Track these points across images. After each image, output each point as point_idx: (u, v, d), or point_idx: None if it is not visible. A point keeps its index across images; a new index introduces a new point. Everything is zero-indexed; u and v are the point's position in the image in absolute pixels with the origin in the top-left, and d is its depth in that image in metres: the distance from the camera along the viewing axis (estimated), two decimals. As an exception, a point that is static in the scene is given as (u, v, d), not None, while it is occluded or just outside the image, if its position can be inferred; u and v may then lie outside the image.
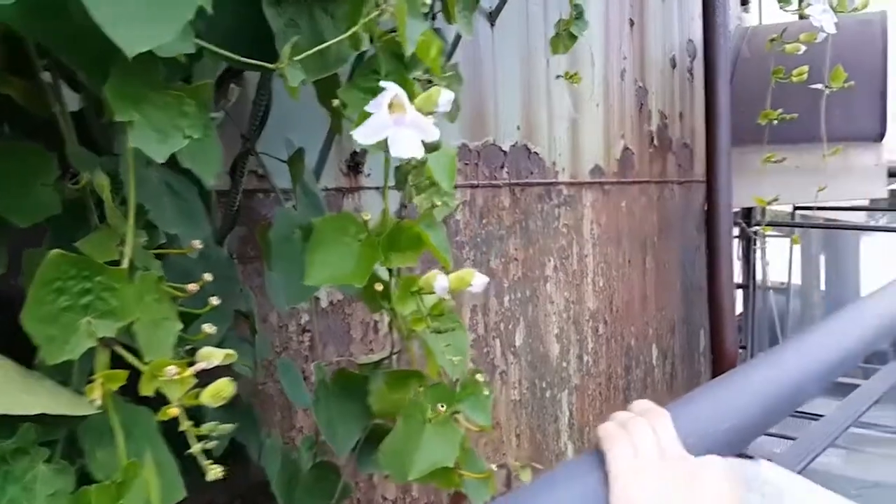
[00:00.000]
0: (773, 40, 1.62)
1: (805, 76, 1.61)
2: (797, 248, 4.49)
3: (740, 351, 2.86)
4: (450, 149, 0.78)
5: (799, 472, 1.04)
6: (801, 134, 2.77)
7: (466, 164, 1.84)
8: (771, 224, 3.44)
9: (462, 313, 1.81)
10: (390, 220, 0.73)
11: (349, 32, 0.68)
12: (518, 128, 1.96)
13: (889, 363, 1.29)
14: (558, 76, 1.64)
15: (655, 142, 2.44)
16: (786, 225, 3.71)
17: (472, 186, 1.85)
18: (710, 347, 2.50)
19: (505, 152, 1.94)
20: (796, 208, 3.94)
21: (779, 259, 4.37)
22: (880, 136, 2.67)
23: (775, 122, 1.87)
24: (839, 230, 4.17)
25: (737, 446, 0.55)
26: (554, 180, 2.07)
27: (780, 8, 1.51)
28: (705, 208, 2.51)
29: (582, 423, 2.10)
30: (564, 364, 2.09)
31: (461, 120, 1.83)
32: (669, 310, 2.50)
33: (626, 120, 2.33)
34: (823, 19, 1.38)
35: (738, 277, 3.80)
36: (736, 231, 3.36)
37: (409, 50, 0.68)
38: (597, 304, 2.20)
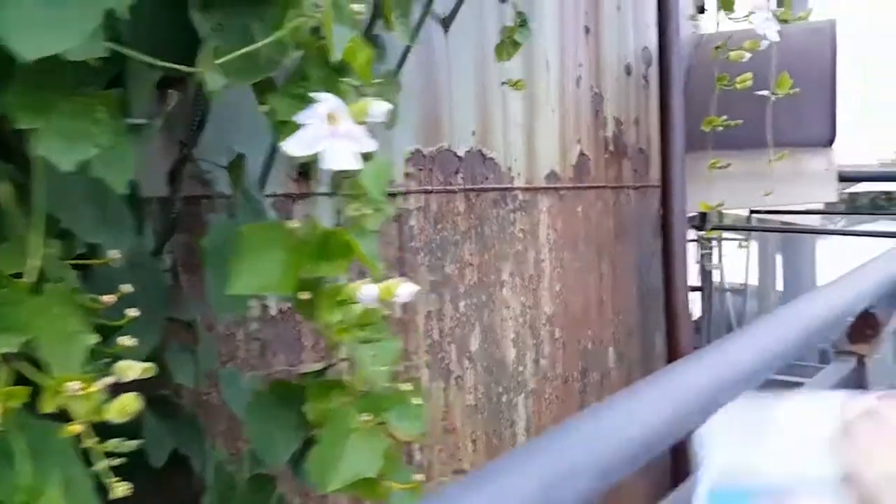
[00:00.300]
0: (718, 48, 1.65)
1: (749, 83, 1.64)
2: (755, 250, 4.59)
3: (696, 353, 2.89)
4: (382, 158, 0.77)
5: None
6: (752, 140, 2.83)
7: (420, 169, 1.83)
8: (725, 228, 3.50)
9: (416, 320, 1.80)
10: (320, 228, 0.73)
11: (273, 37, 0.67)
12: (473, 133, 1.97)
13: (831, 363, 1.32)
14: (503, 83, 1.64)
15: (611, 147, 2.47)
16: (741, 229, 3.78)
17: (427, 192, 1.85)
18: (666, 350, 2.53)
19: (460, 158, 1.94)
20: (752, 212, 4.02)
21: (737, 261, 4.46)
22: (830, 142, 2.74)
23: (720, 128, 1.90)
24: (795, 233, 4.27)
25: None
26: (509, 186, 2.08)
27: (726, 16, 1.54)
28: (661, 213, 2.54)
29: (539, 427, 2.11)
30: (521, 368, 2.09)
31: (415, 125, 1.83)
32: (626, 313, 2.53)
33: (582, 126, 2.35)
34: (766, 28, 1.40)
35: (696, 281, 3.86)
36: (693, 235, 3.41)
37: (336, 56, 0.67)
38: (553, 308, 2.21)
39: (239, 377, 1.13)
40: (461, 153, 1.94)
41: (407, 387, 0.78)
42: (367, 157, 0.69)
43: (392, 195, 1.76)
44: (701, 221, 3.70)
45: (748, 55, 1.57)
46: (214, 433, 1.36)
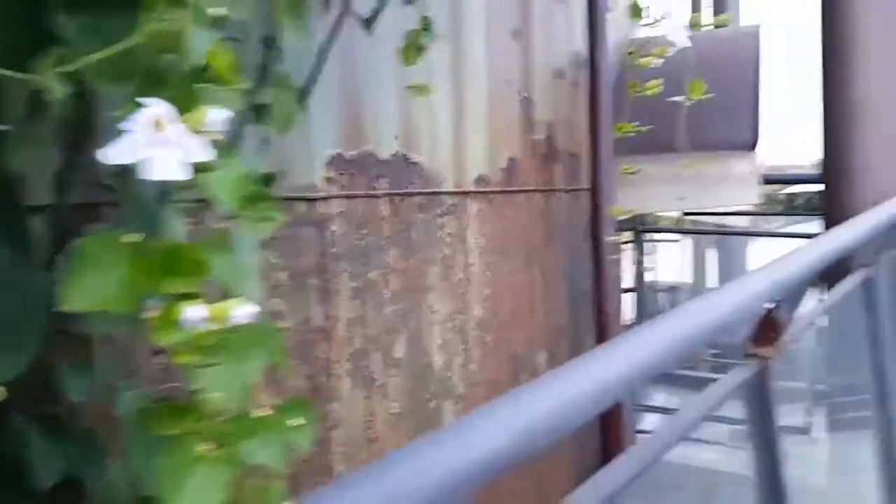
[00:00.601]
0: (630, 53, 1.67)
1: (659, 89, 1.67)
2: (689, 250, 4.70)
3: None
4: (239, 168, 0.74)
5: (653, 466, 1.07)
6: (686, 144, 2.90)
7: (342, 173, 1.80)
8: (653, 230, 3.57)
9: (338, 328, 1.76)
10: (166, 241, 0.69)
11: (128, 42, 0.63)
12: (397, 137, 1.94)
13: (736, 366, 1.34)
14: (408, 87, 1.62)
15: (542, 151, 2.48)
16: (667, 231, 3.86)
17: (349, 197, 1.81)
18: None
19: (384, 162, 1.91)
20: (686, 214, 4.11)
21: (673, 261, 4.56)
22: (753, 145, 2.81)
23: (641, 132, 1.93)
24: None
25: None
26: (436, 190, 2.06)
27: (634, 22, 1.56)
28: (591, 216, 2.57)
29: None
30: (449, 374, 2.08)
31: (336, 129, 1.79)
32: (557, 316, 2.54)
33: (512, 130, 2.35)
34: (675, 34, 1.42)
35: (632, 282, 3.92)
36: (629, 236, 3.46)
37: (193, 61, 0.64)
38: (483, 312, 2.21)
39: (127, 393, 1.08)
40: (385, 157, 1.91)
41: (266, 412, 0.74)
42: (207, 167, 0.66)
43: (311, 200, 1.72)
44: (638, 223, 3.77)
45: (659, 61, 1.59)
46: (119, 452, 1.30)
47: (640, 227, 3.44)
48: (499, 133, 2.28)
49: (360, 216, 1.84)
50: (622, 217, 3.23)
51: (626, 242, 3.38)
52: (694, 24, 1.76)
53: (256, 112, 0.99)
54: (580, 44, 2.61)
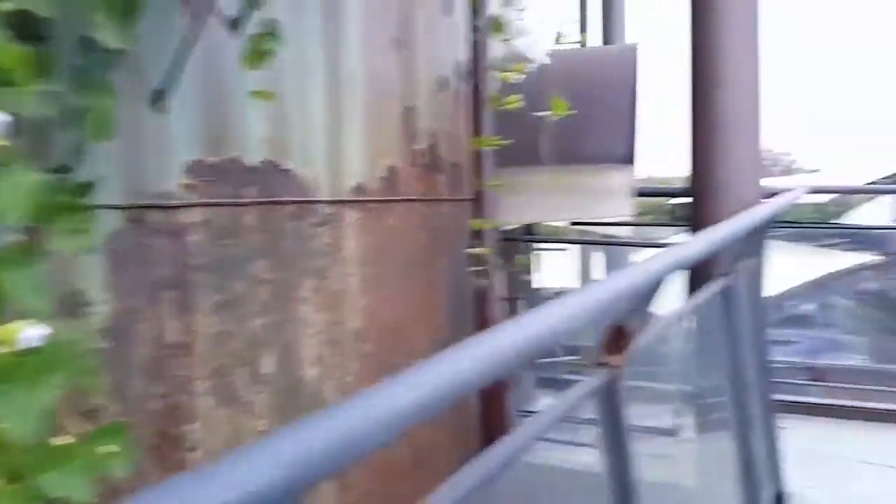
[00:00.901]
0: (493, 68, 1.68)
1: (518, 104, 1.69)
2: (577, 259, 4.84)
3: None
4: (29, 177, 0.67)
5: (512, 466, 1.06)
6: (562, 156, 2.97)
7: (203, 181, 1.71)
8: (540, 240, 3.65)
9: (198, 343, 1.67)
10: None
11: None
12: (267, 143, 1.87)
13: (586, 375, 1.37)
14: (252, 93, 1.57)
15: (424, 160, 2.47)
16: (557, 241, 3.97)
17: (212, 205, 1.73)
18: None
19: (252, 168, 1.84)
20: (573, 224, 4.23)
21: (561, 269, 4.68)
22: (628, 159, 2.92)
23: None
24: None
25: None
26: (310, 199, 2.00)
27: (495, 38, 1.57)
28: (488, 226, 2.58)
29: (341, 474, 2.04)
30: (322, 388, 2.02)
31: (196, 134, 1.70)
32: (439, 325, 2.53)
33: (393, 138, 2.33)
34: (532, 49, 1.44)
35: (520, 289, 3.99)
36: (514, 245, 3.51)
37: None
38: (361, 324, 2.16)
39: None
40: (253, 164, 1.83)
41: (68, 440, 0.68)
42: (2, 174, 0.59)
43: (167, 209, 1.62)
44: (524, 233, 3.85)
45: (520, 76, 1.61)
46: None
47: (526, 237, 3.51)
48: (378, 141, 2.25)
49: (224, 225, 1.75)
50: (508, 227, 3.29)
51: (513, 251, 3.43)
52: (559, 41, 1.80)
53: (72, 117, 0.91)
54: (463, 55, 2.62)
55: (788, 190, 2.67)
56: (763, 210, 2.24)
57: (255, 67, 1.29)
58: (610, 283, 1.17)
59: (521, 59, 1.66)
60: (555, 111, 1.89)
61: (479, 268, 2.15)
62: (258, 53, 1.26)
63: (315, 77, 2.04)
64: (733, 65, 2.61)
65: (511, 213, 2.77)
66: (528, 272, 3.67)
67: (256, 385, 1.81)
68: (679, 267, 1.43)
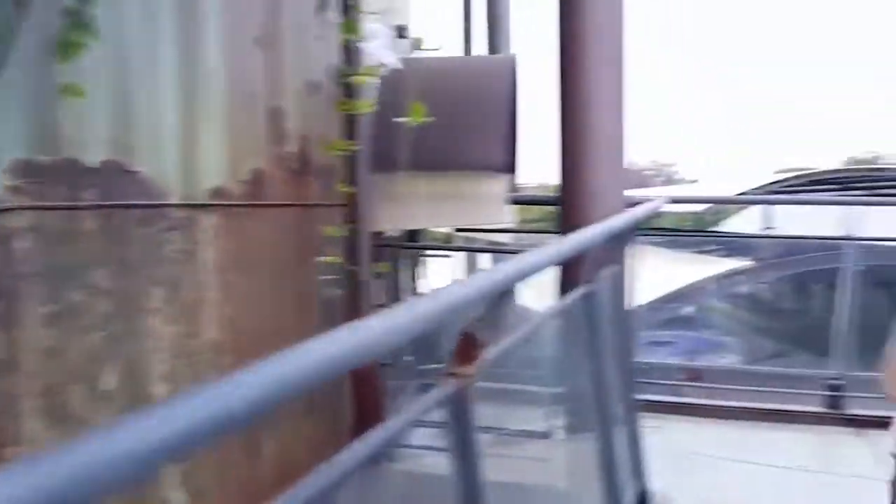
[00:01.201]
0: (342, 72, 1.65)
1: (371, 108, 1.67)
2: (464, 264, 4.89)
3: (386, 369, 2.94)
4: None
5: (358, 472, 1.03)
6: (443, 163, 2.98)
7: (33, 182, 1.58)
8: (422, 247, 3.65)
9: (23, 359, 1.53)
10: None
11: None
12: (112, 143, 1.75)
13: (436, 386, 1.36)
14: (62, 88, 1.47)
15: (294, 164, 2.39)
16: (439, 248, 3.98)
17: (42, 209, 1.59)
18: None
19: (92, 170, 1.71)
20: (458, 230, 4.26)
21: (445, 276, 4.70)
22: (506, 167, 2.96)
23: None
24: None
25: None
26: (161, 202, 1.89)
27: (343, 40, 1.54)
28: (348, 231, 2.53)
29: (196, 470, 1.92)
30: (174, 404, 1.90)
31: (23, 131, 1.56)
32: (308, 334, 2.46)
33: (258, 140, 2.24)
34: (381, 53, 1.42)
35: (404, 295, 3.98)
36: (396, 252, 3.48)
37: None
38: (220, 335, 2.06)
39: None
40: (93, 165, 1.71)
41: None
42: None
43: (-16, 212, 1.48)
44: (409, 239, 3.83)
45: (373, 79, 1.59)
46: None
47: (408, 244, 3.49)
48: (241, 143, 2.16)
49: (57, 230, 1.62)
50: (390, 232, 3.26)
51: (397, 257, 3.41)
52: (417, 46, 1.80)
53: None
54: (336, 59, 2.57)
55: (650, 200, 2.79)
56: (621, 219, 2.32)
57: (65, 61, 1.19)
58: (448, 293, 1.15)
59: (376, 62, 1.64)
60: (412, 117, 1.87)
61: (332, 276, 2.07)
62: (65, 45, 1.16)
63: (168, 75, 1.93)
64: (598, 78, 2.69)
65: (388, 220, 2.74)
66: (412, 278, 3.66)
67: (95, 403, 1.69)
68: (526, 275, 1.44)
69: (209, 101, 2.05)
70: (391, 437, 1.19)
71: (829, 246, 4.23)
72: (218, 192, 2.07)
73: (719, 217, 11.45)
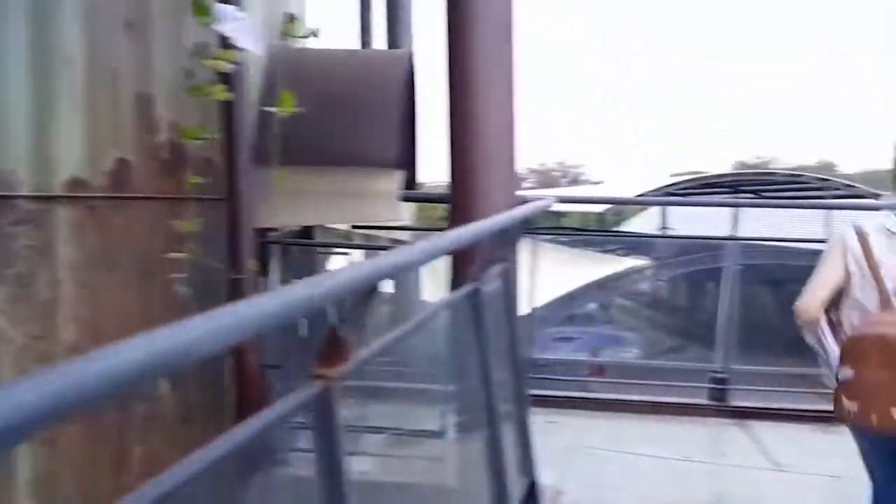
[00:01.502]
0: (193, 54, 1.56)
1: (228, 96, 1.58)
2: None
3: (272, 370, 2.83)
4: None
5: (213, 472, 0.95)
6: (332, 158, 2.89)
7: None
8: (318, 244, 3.55)
9: None
10: None
11: None
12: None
13: (301, 387, 1.29)
14: None
15: (165, 154, 2.25)
16: (336, 245, 3.89)
17: None
18: (235, 368, 2.40)
19: (-83, 155, 1.53)
20: (355, 227, 4.17)
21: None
22: (398, 164, 2.90)
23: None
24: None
25: None
26: (7, 193, 1.72)
27: (198, 23, 1.45)
28: (227, 226, 2.40)
29: (54, 477, 1.77)
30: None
31: None
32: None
33: (122, 128, 2.09)
34: (237, 37, 1.34)
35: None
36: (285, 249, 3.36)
37: None
38: (77, 337, 1.91)
39: None
40: (-82, 150, 1.53)
41: None
42: None
43: None
44: (304, 235, 3.71)
45: (228, 65, 1.50)
46: None
47: (300, 241, 3.37)
48: (103, 131, 2.01)
49: None
50: (282, 229, 3.13)
51: (288, 255, 3.28)
52: (286, 33, 1.72)
53: None
54: (217, 44, 2.43)
55: (539, 199, 2.81)
56: (507, 216, 2.32)
57: None
58: (307, 287, 1.08)
59: (233, 47, 1.54)
60: (281, 107, 1.79)
61: (180, 275, 1.93)
62: None
63: (16, 57, 1.76)
64: (486, 76, 2.68)
65: (273, 216, 2.62)
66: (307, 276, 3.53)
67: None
68: (400, 270, 1.39)
69: (66, 86, 1.89)
70: (248, 439, 1.11)
71: (714, 245, 4.41)
72: (76, 184, 1.91)
73: (621, 217, 11.87)
